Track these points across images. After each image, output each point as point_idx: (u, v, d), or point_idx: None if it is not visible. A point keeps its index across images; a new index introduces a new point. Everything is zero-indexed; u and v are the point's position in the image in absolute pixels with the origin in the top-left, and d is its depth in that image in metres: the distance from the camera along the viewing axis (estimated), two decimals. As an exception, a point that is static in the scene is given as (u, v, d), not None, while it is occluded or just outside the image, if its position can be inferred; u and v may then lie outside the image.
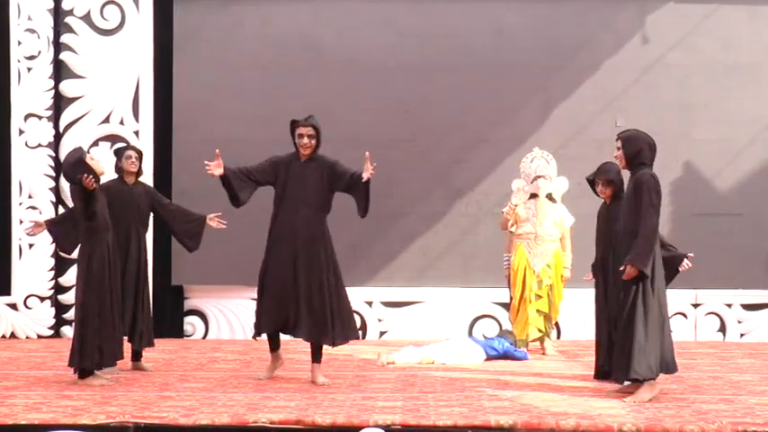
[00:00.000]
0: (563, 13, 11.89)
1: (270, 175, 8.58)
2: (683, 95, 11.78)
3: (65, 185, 11.49)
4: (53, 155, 11.63)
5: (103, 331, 8.32)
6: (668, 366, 7.83)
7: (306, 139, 8.47)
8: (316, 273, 8.40)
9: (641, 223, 7.72)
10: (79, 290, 8.37)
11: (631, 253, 7.69)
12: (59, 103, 11.72)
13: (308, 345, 8.61)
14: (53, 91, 11.67)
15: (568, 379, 8.84)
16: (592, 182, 9.07)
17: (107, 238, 8.41)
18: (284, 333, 8.63)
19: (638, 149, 7.92)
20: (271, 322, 8.53)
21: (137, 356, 9.31)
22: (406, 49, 11.93)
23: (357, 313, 11.82)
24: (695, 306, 11.73)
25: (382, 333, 11.89)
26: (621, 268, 7.74)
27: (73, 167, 8.26)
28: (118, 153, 9.40)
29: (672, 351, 7.86)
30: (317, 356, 8.56)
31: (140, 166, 9.41)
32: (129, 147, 9.61)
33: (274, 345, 8.75)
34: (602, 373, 8.70)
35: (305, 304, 8.38)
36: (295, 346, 9.91)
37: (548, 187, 10.47)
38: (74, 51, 11.73)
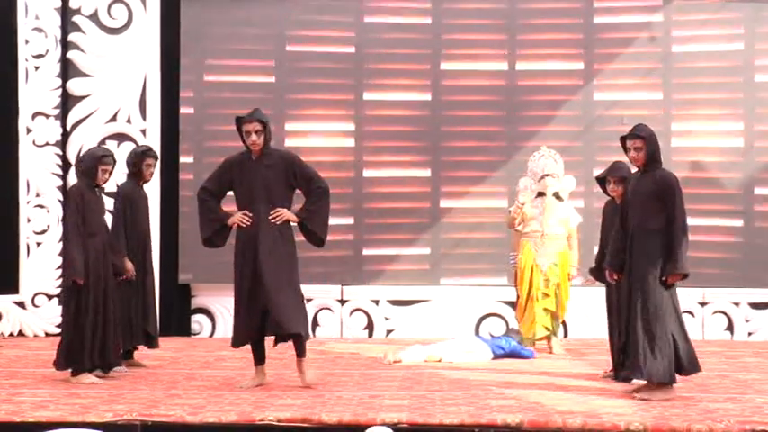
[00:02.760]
0: (569, 12, 11.89)
1: (225, 183, 8.22)
2: (690, 93, 11.76)
3: (71, 184, 11.49)
4: (60, 153, 11.65)
5: (89, 335, 8.32)
6: (694, 365, 7.80)
7: (253, 136, 8.04)
8: (281, 270, 8.03)
9: (675, 226, 7.64)
10: (70, 294, 8.40)
11: (671, 260, 7.62)
12: (67, 101, 11.73)
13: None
14: (60, 90, 11.69)
15: (575, 378, 8.83)
16: (602, 180, 9.00)
17: (95, 244, 8.41)
18: (262, 336, 8.22)
19: (657, 146, 7.84)
20: (245, 333, 8.14)
21: (130, 354, 9.37)
22: (411, 46, 11.93)
23: (364, 312, 11.91)
24: (702, 305, 11.72)
25: (389, 331, 11.90)
26: (664, 279, 7.65)
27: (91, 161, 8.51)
28: (139, 156, 9.39)
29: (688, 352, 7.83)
30: (299, 351, 8.16)
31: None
32: (150, 153, 9.50)
33: (258, 358, 8.30)
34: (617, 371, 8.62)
35: (274, 303, 7.96)
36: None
37: (555, 186, 10.46)
38: (81, 50, 11.75)
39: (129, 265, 9.08)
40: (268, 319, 8.03)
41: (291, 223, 8.19)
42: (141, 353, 9.52)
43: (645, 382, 7.84)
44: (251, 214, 8.08)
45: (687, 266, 7.69)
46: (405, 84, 11.96)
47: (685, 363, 7.73)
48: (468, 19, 11.92)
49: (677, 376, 7.75)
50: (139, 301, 9.27)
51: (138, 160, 9.35)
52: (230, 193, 8.32)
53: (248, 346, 8.30)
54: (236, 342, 8.25)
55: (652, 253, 7.70)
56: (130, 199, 9.22)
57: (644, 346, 7.64)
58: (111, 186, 10.36)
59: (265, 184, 8.09)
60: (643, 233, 7.76)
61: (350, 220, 11.78)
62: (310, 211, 8.19)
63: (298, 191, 8.29)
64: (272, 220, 8.05)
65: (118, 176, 9.70)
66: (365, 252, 11.86)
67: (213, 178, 8.29)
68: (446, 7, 11.94)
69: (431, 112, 11.95)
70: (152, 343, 9.46)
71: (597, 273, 9.11)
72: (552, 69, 11.89)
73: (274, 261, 8.05)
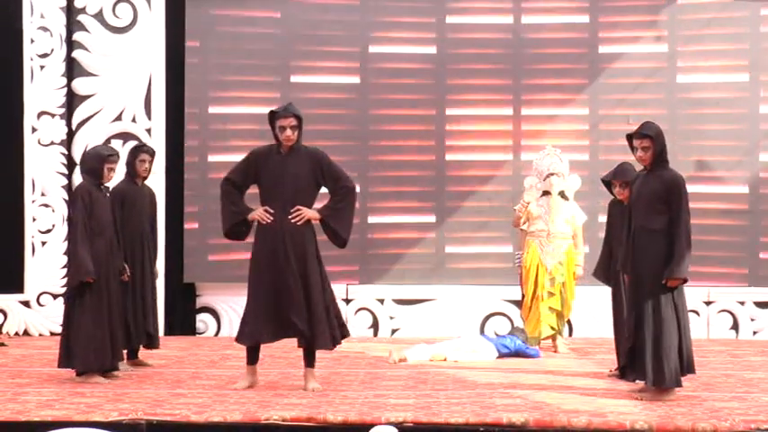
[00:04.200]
0: (575, 11, 11.89)
1: (250, 175, 8.03)
2: (696, 92, 11.75)
3: (77, 183, 11.50)
4: (66, 152, 11.66)
5: (97, 334, 8.33)
6: (689, 367, 7.76)
7: (289, 131, 7.86)
8: (307, 274, 7.92)
9: (679, 229, 7.55)
10: (76, 293, 8.40)
11: (672, 264, 7.54)
12: (72, 100, 11.74)
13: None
14: (66, 89, 11.70)
15: (580, 377, 8.83)
16: (608, 182, 8.96)
17: (102, 243, 8.41)
18: (275, 340, 8.10)
19: (664, 145, 7.74)
20: (257, 333, 7.96)
21: (134, 354, 9.34)
22: (417, 45, 11.93)
23: (369, 311, 11.92)
24: (707, 304, 11.70)
25: (394, 330, 11.89)
26: (664, 282, 7.58)
27: (93, 160, 8.53)
28: (132, 153, 9.42)
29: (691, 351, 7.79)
30: (310, 361, 8.07)
31: (150, 168, 9.47)
32: (143, 148, 9.52)
33: (252, 358, 8.15)
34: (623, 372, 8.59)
35: (297, 308, 7.84)
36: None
37: (560, 185, 10.45)
38: (86, 49, 11.76)
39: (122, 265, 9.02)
40: (292, 327, 7.89)
41: (313, 222, 8.02)
42: (146, 352, 9.51)
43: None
44: (273, 211, 7.94)
45: (687, 271, 7.59)
46: (411, 83, 11.95)
47: (684, 364, 7.69)
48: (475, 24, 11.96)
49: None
50: (138, 300, 9.20)
51: (132, 157, 9.34)
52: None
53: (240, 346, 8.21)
54: (246, 339, 8.06)
55: (654, 254, 7.62)
56: (123, 197, 9.10)
57: (650, 351, 7.59)
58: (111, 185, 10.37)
59: (292, 180, 7.93)
60: (645, 233, 7.69)
61: (355, 219, 11.74)
62: (334, 210, 8.05)
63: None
64: (293, 221, 7.91)
65: (120, 176, 9.67)
66: (370, 251, 11.85)
67: (238, 170, 8.10)
68: (451, 29, 11.92)
69: (436, 110, 11.95)
70: (152, 342, 9.41)
71: (601, 273, 9.11)
72: (558, 68, 11.87)
73: (302, 263, 7.92)
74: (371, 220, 11.90)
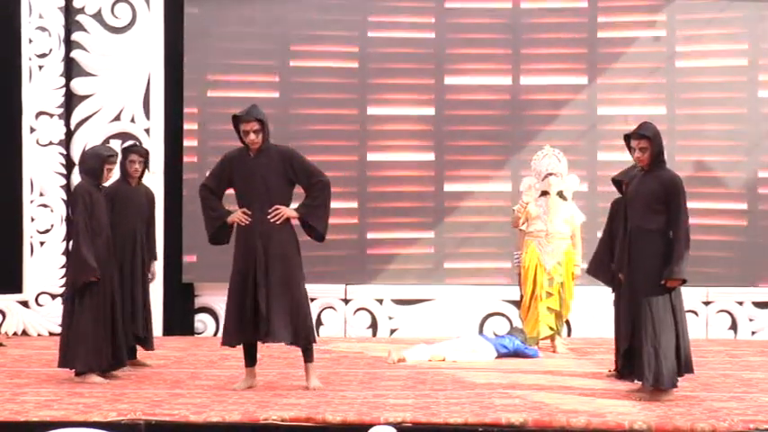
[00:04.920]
0: (574, 11, 11.89)
1: (224, 179, 8.09)
2: (694, 92, 11.75)
3: (76, 183, 11.50)
4: (64, 153, 11.66)
5: (96, 334, 8.32)
6: (687, 367, 7.75)
7: (252, 135, 7.91)
8: (284, 273, 7.94)
9: (678, 230, 7.54)
10: (77, 293, 8.39)
11: (672, 264, 7.53)
12: (70, 100, 11.74)
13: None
14: (64, 89, 11.69)
15: (579, 377, 8.83)
16: (618, 182, 8.92)
17: (101, 243, 8.42)
18: (258, 340, 8.11)
19: (662, 146, 7.73)
20: (240, 333, 8.03)
21: (133, 354, 9.30)
22: (416, 45, 11.93)
23: (368, 311, 11.91)
24: (706, 304, 11.70)
25: (393, 331, 11.89)
26: (663, 282, 7.58)
27: (93, 160, 8.54)
28: (123, 153, 9.43)
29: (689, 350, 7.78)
30: (307, 356, 8.11)
31: (144, 169, 9.44)
32: (134, 149, 9.52)
33: (250, 360, 8.20)
34: (621, 372, 8.58)
35: (279, 307, 7.90)
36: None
37: (559, 185, 10.45)
38: (85, 49, 11.76)
39: None
40: (268, 326, 7.90)
41: (292, 220, 8.08)
42: (144, 353, 9.51)
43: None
44: (250, 212, 7.99)
45: (686, 272, 7.58)
46: (409, 84, 11.93)
47: (683, 364, 7.68)
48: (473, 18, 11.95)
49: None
50: (127, 301, 9.14)
51: (123, 158, 9.35)
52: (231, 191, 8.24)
53: (240, 347, 8.22)
54: (229, 341, 8.13)
55: (652, 255, 7.62)
56: (113, 198, 9.04)
57: (648, 352, 7.57)
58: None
59: (264, 180, 7.98)
60: (642, 233, 7.68)
61: (354, 219, 11.78)
62: (311, 207, 8.06)
63: (297, 190, 8.17)
64: (272, 220, 7.96)
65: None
66: (369, 251, 11.85)
67: (213, 175, 8.21)
68: (449, 29, 11.90)
69: (435, 111, 11.94)
70: (145, 344, 9.38)
71: (597, 271, 9.09)
72: (556, 68, 11.86)
73: (274, 262, 7.95)
74: (371, 220, 11.88)
